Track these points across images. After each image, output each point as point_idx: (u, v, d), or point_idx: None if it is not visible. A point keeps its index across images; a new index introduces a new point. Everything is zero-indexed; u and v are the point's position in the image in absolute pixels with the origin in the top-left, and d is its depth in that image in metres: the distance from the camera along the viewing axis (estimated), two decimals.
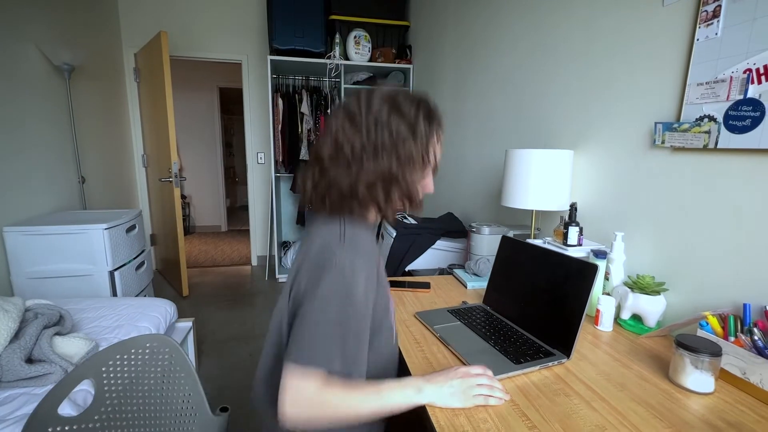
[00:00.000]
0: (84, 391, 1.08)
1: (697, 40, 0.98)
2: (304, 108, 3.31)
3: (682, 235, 1.04)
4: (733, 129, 0.90)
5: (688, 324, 0.91)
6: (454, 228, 2.04)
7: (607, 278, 1.12)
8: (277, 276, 3.55)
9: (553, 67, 1.56)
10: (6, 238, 1.90)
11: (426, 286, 1.32)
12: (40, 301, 1.42)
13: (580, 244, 1.20)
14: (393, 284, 1.31)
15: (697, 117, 0.98)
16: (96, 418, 0.73)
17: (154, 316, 1.66)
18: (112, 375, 0.78)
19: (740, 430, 0.65)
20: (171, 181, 2.94)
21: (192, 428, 0.88)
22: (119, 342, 0.82)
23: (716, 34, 0.93)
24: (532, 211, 1.43)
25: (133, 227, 2.33)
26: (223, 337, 2.46)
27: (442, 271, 1.64)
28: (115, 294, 2.08)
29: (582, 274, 0.88)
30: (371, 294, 0.67)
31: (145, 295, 2.44)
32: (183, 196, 5.22)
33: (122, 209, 2.74)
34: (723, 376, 0.78)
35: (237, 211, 6.82)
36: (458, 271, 1.46)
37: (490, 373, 0.74)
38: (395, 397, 0.65)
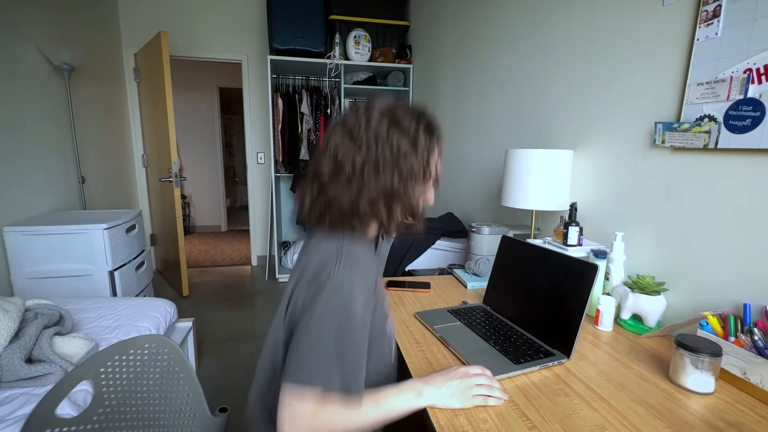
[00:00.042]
0: (84, 391, 1.08)
1: (698, 39, 0.98)
2: (304, 108, 3.30)
3: (682, 235, 1.04)
4: (733, 129, 0.90)
5: (688, 324, 0.91)
6: (454, 228, 2.04)
7: (607, 278, 1.12)
8: (277, 276, 3.55)
9: (553, 67, 1.56)
10: (6, 238, 1.90)
11: (426, 286, 1.32)
12: (40, 301, 1.41)
13: (580, 244, 1.19)
14: (393, 284, 1.31)
15: (698, 117, 0.98)
16: (95, 419, 0.73)
17: (154, 316, 1.66)
18: (110, 376, 0.78)
19: (740, 431, 0.64)
20: (171, 181, 2.94)
21: (191, 429, 0.88)
22: (118, 343, 0.82)
23: (716, 33, 0.93)
24: (532, 211, 1.43)
25: (133, 227, 2.33)
26: (223, 337, 2.46)
27: (442, 271, 1.64)
28: (115, 294, 2.08)
29: (582, 274, 0.88)
30: (369, 310, 0.66)
31: (145, 295, 2.44)
32: (183, 196, 5.22)
33: (122, 209, 2.74)
34: (723, 376, 0.78)
35: (237, 211, 6.83)
36: (458, 271, 1.46)
37: (489, 373, 0.74)
38: (395, 404, 0.65)
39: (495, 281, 1.15)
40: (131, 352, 0.82)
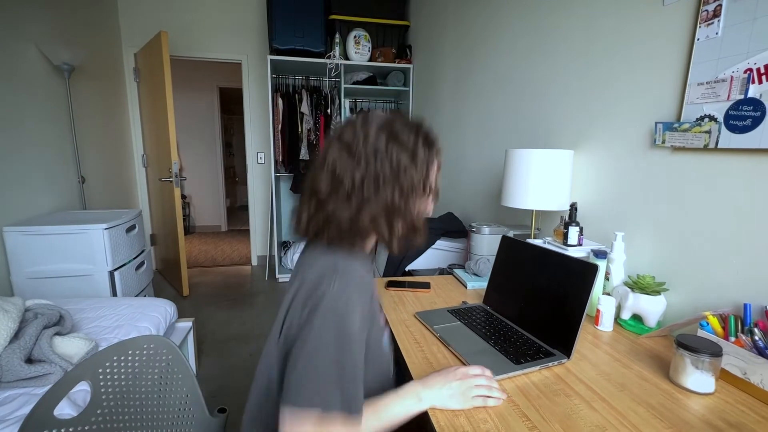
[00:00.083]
0: (84, 391, 1.08)
1: (698, 39, 0.97)
2: (304, 108, 3.30)
3: (682, 235, 1.04)
4: (733, 129, 0.90)
5: (688, 324, 0.91)
6: (454, 228, 2.04)
7: (607, 278, 1.12)
8: (277, 276, 3.55)
9: (553, 67, 1.55)
10: (6, 238, 1.90)
11: (426, 286, 1.32)
12: (40, 301, 1.42)
13: (580, 244, 1.19)
14: (393, 284, 1.31)
15: (698, 117, 0.97)
16: (93, 420, 0.73)
17: (154, 316, 1.66)
18: (109, 377, 0.77)
19: (741, 431, 0.64)
20: (171, 181, 2.94)
21: (190, 429, 0.87)
22: (117, 343, 0.81)
23: (717, 33, 0.93)
24: (532, 211, 1.43)
25: (133, 227, 2.33)
26: (223, 337, 2.46)
27: (442, 271, 1.63)
28: (115, 294, 2.08)
29: (582, 274, 0.88)
30: (366, 326, 0.65)
31: (145, 295, 2.44)
32: (183, 196, 5.22)
33: (122, 209, 2.75)
34: (723, 376, 0.77)
35: (237, 211, 6.83)
36: (458, 271, 1.46)
37: (488, 372, 0.74)
38: (395, 411, 0.65)
39: (495, 281, 1.15)
40: (130, 352, 0.82)
